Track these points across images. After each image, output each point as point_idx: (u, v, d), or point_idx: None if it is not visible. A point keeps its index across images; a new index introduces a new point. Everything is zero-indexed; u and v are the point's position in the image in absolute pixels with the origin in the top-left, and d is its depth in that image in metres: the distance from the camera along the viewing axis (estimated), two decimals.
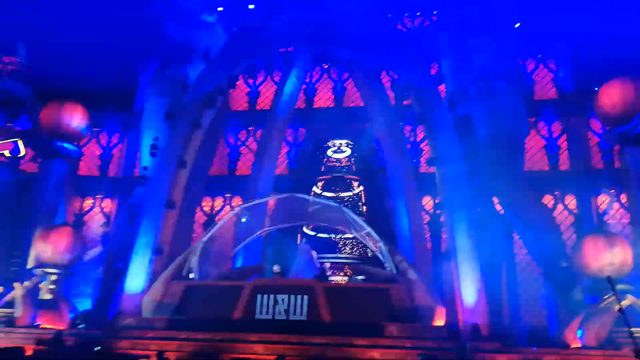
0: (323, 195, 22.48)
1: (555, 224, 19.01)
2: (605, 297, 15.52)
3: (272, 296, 16.38)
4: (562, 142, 22.43)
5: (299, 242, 21.56)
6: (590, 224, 19.52)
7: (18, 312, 17.94)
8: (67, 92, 23.53)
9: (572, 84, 23.00)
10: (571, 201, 21.14)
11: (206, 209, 24.15)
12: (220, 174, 24.71)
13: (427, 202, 22.12)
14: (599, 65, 21.21)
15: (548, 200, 21.22)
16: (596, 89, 20.16)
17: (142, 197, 19.60)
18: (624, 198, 20.07)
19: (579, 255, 16.43)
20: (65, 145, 22.44)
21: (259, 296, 16.43)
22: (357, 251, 20.99)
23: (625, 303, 14.37)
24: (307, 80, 26.28)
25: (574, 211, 20.86)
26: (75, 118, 22.75)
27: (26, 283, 18.77)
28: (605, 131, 20.27)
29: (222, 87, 23.48)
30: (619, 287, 14.96)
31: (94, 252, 21.30)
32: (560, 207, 21.10)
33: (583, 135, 21.93)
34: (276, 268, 17.94)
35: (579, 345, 15.00)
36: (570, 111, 22.40)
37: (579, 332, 15.02)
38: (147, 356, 13.48)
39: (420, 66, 22.19)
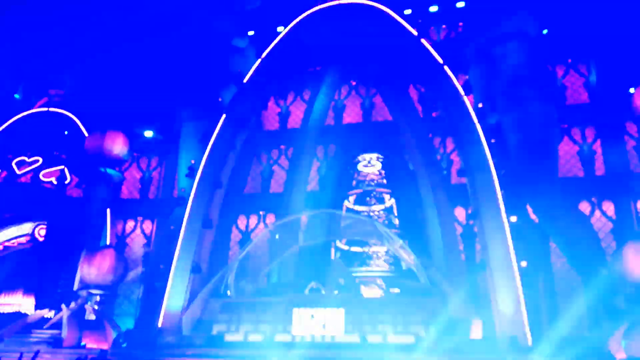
0: (355, 210, 22.63)
1: (593, 231, 18.52)
2: None
3: (308, 310, 16.65)
4: (597, 147, 21.88)
5: (332, 256, 21.76)
6: (631, 230, 18.88)
7: (64, 332, 18.80)
8: (109, 119, 24.78)
9: (605, 87, 22.48)
10: (609, 207, 20.52)
11: (241, 227, 24.69)
12: (254, 192, 25.27)
13: (460, 213, 21.94)
14: (631, 67, 20.71)
15: (585, 207, 20.68)
16: (631, 91, 19.69)
17: (180, 217, 20.30)
18: None
19: (621, 262, 15.95)
20: (108, 170, 23.56)
21: (295, 310, 16.74)
22: (391, 264, 20.96)
23: None
24: (336, 97, 26.67)
25: (613, 217, 20.23)
26: (117, 145, 23.92)
27: (72, 304, 19.68)
28: None
29: (254, 109, 24.29)
30: None
31: (135, 272, 22.11)
32: (597, 213, 20.52)
33: (619, 139, 21.32)
34: (314, 284, 18.21)
35: (624, 356, 14.50)
36: (604, 115, 21.85)
37: (623, 343, 14.54)
38: None
39: (447, 78, 22.28)
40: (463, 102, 20.85)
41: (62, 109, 27.60)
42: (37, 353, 9.40)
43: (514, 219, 17.47)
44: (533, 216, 18.99)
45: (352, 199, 23.76)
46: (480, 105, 21.56)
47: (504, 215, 17.41)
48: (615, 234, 19.55)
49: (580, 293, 15.89)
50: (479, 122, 20.37)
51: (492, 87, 21.83)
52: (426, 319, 15.61)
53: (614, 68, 22.11)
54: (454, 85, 21.75)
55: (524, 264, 16.40)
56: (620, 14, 21.52)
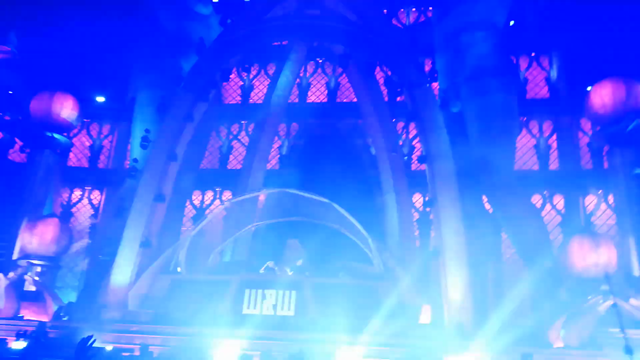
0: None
1: (543, 224, 19.07)
2: (589, 297, 15.59)
3: (260, 291, 16.41)
4: (553, 142, 22.46)
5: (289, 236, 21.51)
6: (578, 224, 19.58)
7: (1, 303, 17.85)
8: (58, 82, 23.32)
9: (564, 83, 22.99)
10: (559, 201, 21.20)
11: (196, 202, 24.03)
12: (211, 167, 24.58)
13: (417, 199, 22.11)
14: (591, 65, 21.21)
15: (537, 199, 21.26)
16: (588, 88, 20.18)
17: (131, 189, 19.47)
18: (611, 199, 20.14)
19: (565, 255, 16.50)
20: (55, 135, 22.24)
21: (246, 291, 16.47)
22: (347, 248, 20.90)
23: (608, 303, 14.46)
24: (302, 74, 26.13)
25: (562, 211, 20.92)
26: (66, 108, 22.53)
27: (10, 274, 18.67)
28: (596, 131, 20.30)
29: (215, 80, 23.39)
30: (603, 287, 15.05)
31: (81, 244, 21.18)
32: (548, 206, 21.15)
33: (573, 135, 21.96)
34: (270, 263, 17.92)
35: (562, 344, 15.08)
36: (562, 110, 22.40)
37: (562, 332, 15.10)
38: (132, 350, 13.46)
39: (414, 63, 22.13)
40: (428, 88, 20.81)
41: (7, 68, 25.76)
42: None
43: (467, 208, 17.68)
44: (487, 206, 19.33)
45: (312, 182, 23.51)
46: (443, 93, 21.62)
47: (458, 204, 17.61)
48: (563, 227, 20.25)
49: (526, 283, 16.31)
50: (441, 109, 20.45)
51: (456, 74, 21.91)
52: (377, 302, 15.65)
53: (574, 65, 22.64)
54: (420, 70, 21.67)
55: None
56: (585, 12, 21.91)
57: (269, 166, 23.42)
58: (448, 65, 22.42)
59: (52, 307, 17.97)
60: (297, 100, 26.12)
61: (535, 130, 22.90)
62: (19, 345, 13.83)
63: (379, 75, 25.00)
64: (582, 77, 21.97)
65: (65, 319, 16.88)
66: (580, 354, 14.03)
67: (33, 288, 18.22)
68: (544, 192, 21.29)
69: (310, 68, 26.85)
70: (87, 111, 24.58)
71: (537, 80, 24.18)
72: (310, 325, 15.56)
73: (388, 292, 15.73)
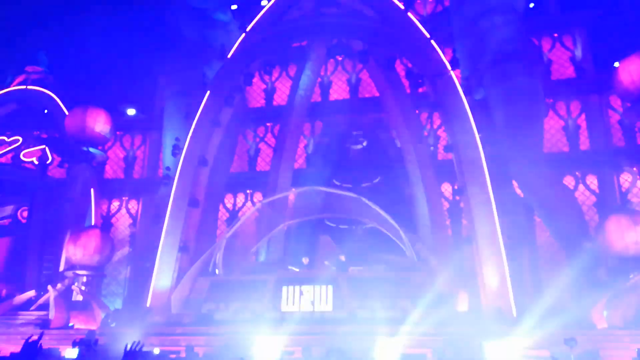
0: (342, 187, 22.61)
1: (577, 205, 18.79)
2: (631, 276, 15.35)
3: (297, 288, 16.73)
4: (582, 122, 22.06)
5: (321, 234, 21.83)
6: (614, 203, 19.21)
7: (51, 314, 18.71)
8: (90, 97, 24.21)
9: (590, 61, 22.54)
10: (593, 181, 20.82)
11: (228, 205, 24.59)
12: (241, 170, 25.09)
13: (446, 189, 22.08)
14: (617, 41, 20.77)
15: (569, 181, 20.94)
16: (616, 64, 19.75)
17: (166, 196, 20.09)
18: None
19: (603, 235, 16.25)
20: (91, 149, 23.10)
21: (284, 288, 16.81)
22: (379, 241, 21.04)
23: None
24: (322, 73, 26.37)
25: (596, 191, 20.55)
26: (99, 122, 23.36)
27: (58, 285, 19.52)
28: (626, 108, 19.86)
29: (238, 85, 23.86)
30: None
31: (122, 253, 21.96)
32: (581, 187, 20.81)
33: (603, 114, 21.52)
34: (305, 260, 18.24)
35: (606, 325, 14.90)
36: (589, 89, 21.97)
37: (605, 313, 14.92)
38: (178, 352, 13.93)
39: (434, 52, 22.08)
40: (450, 77, 20.71)
41: (40, 86, 26.85)
42: (41, 335, 9.26)
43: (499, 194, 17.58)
44: (518, 191, 19.17)
45: (340, 176, 23.74)
46: (466, 80, 21.47)
47: (490, 190, 17.54)
48: (598, 207, 19.90)
49: (564, 266, 16.15)
50: (465, 97, 20.34)
51: (478, 61, 21.72)
52: (413, 293, 15.78)
53: (599, 42, 22.17)
54: (440, 60, 21.57)
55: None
56: None
57: (296, 165, 23.74)
58: (469, 52, 22.23)
59: (100, 315, 18.74)
60: (319, 99, 26.38)
61: (563, 112, 22.54)
62: (72, 353, 14.46)
63: (400, 68, 25.00)
64: (608, 54, 21.53)
65: (112, 325, 17.57)
66: (625, 334, 13.82)
67: (80, 298, 19.02)
68: (576, 173, 20.95)
69: (330, 66, 27.05)
70: (119, 124, 25.42)
71: (562, 61, 23.76)
72: (348, 319, 15.82)
73: (423, 282, 15.84)
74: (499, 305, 15.36)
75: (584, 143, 21.60)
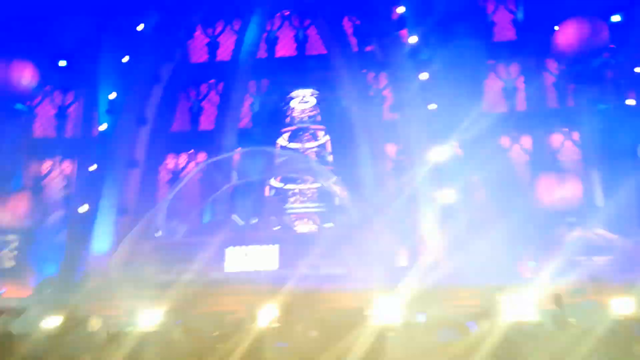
0: (289, 147, 22.45)
1: (511, 165, 19.64)
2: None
3: (242, 248, 16.70)
4: (520, 84, 22.77)
5: (266, 194, 21.72)
6: (545, 162, 20.17)
7: None
8: (15, 49, 22.25)
9: (531, 24, 23.06)
10: (527, 141, 21.72)
11: (170, 166, 23.77)
12: (183, 129, 24.22)
13: (391, 149, 22.34)
14: (557, 5, 21.24)
15: (505, 140, 21.70)
16: (555, 28, 20.33)
17: (102, 156, 19.18)
18: (576, 136, 20.80)
19: (533, 191, 17.13)
20: (17, 105, 21.49)
21: (228, 249, 16.74)
22: (325, 201, 21.28)
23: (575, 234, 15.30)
24: (268, 28, 25.49)
25: (529, 150, 21.45)
26: (25, 76, 21.67)
27: None
28: (562, 70, 20.66)
29: (179, 38, 22.80)
30: (569, 219, 15.86)
31: (56, 215, 20.93)
32: (517, 147, 21.67)
33: (540, 76, 22.26)
34: (253, 220, 18.13)
35: (530, 276, 15.87)
36: (529, 52, 22.56)
37: (531, 264, 15.92)
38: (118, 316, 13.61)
39: (382, 11, 21.90)
40: (397, 37, 20.71)
41: None
42: None
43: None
44: (458, 151, 19.73)
45: (286, 136, 23.52)
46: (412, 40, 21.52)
47: (432, 150, 18.00)
48: (531, 166, 20.86)
49: (496, 222, 16.92)
50: (411, 57, 20.46)
51: (424, 22, 21.75)
52: (357, 251, 16.15)
53: (541, 5, 22.60)
54: (389, 18, 21.47)
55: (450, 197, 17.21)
56: None
57: (241, 125, 23.23)
58: (415, 11, 22.17)
59: (33, 281, 17.92)
60: (265, 55, 25.61)
61: (503, 73, 23.13)
62: None
63: (348, 25, 24.57)
64: (548, 18, 22.03)
65: (48, 291, 16.92)
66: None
67: (11, 264, 18.08)
68: (513, 134, 21.73)
69: (277, 21, 26.17)
70: (48, 78, 23.62)
71: (504, 23, 24.17)
72: (293, 277, 15.99)
73: (367, 240, 16.22)
74: (436, 259, 16.03)
75: (521, 104, 22.37)
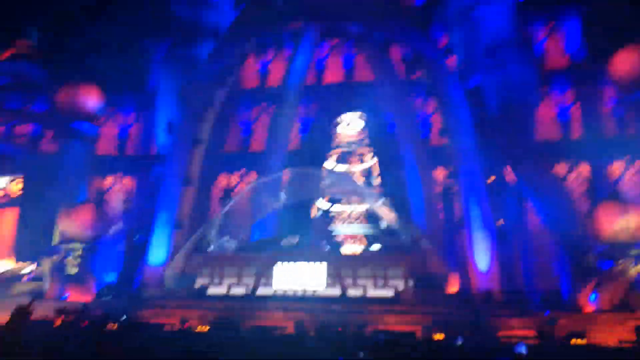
0: (336, 169, 22.70)
1: (567, 192, 19.05)
2: (619, 262, 15.64)
3: (290, 264, 16.85)
4: (575, 111, 22.28)
5: (312, 215, 21.93)
6: (604, 191, 19.44)
7: (46, 285, 18.65)
8: (81, 73, 23.84)
9: (584, 51, 22.74)
10: (585, 169, 21.04)
11: (223, 185, 24.44)
12: (235, 150, 24.98)
13: (439, 173, 22.20)
14: (612, 31, 20.89)
15: (562, 168, 21.12)
16: (610, 55, 19.92)
17: (160, 174, 20.04)
18: (638, 165, 19.97)
19: (593, 221, 16.47)
20: (83, 125, 22.84)
21: (277, 265, 16.93)
22: (370, 223, 21.25)
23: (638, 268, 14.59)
24: (317, 56, 26.20)
25: (588, 179, 20.75)
26: (91, 98, 23.07)
27: (53, 258, 19.38)
28: (620, 98, 20.11)
29: (232, 65, 23.74)
30: (634, 252, 15.15)
31: (117, 227, 21.81)
32: (573, 174, 21.01)
33: (596, 103, 21.74)
34: (294, 239, 18.33)
35: (592, 309, 15.26)
36: (583, 79, 22.15)
37: (592, 297, 15.27)
38: (172, 324, 13.99)
39: (429, 38, 22.18)
40: (444, 63, 20.85)
41: (30, 61, 26.38)
42: (31, 302, 9.30)
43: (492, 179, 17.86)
44: (511, 177, 19.41)
45: (333, 158, 23.84)
46: (461, 67, 21.59)
47: (481, 175, 17.82)
48: (590, 194, 20.11)
49: (554, 252, 16.43)
50: (460, 84, 20.53)
51: (473, 48, 21.82)
52: (405, 273, 16.00)
53: (594, 32, 22.29)
54: (435, 46, 21.72)
55: (500, 222, 16.90)
56: None
57: (290, 147, 23.73)
58: (464, 39, 22.31)
59: (94, 288, 18.63)
60: (315, 80, 26.25)
61: (556, 101, 22.73)
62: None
63: (395, 52, 24.94)
64: (602, 44, 21.64)
65: (107, 298, 17.54)
66: (613, 316, 14.17)
67: (75, 270, 18.86)
68: (569, 161, 21.10)
69: (325, 50, 26.84)
70: (112, 101, 25.07)
71: (556, 51, 23.91)
72: (341, 297, 15.97)
73: (416, 263, 16.07)
74: (489, 287, 15.66)
75: (577, 132, 21.84)
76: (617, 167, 20.64)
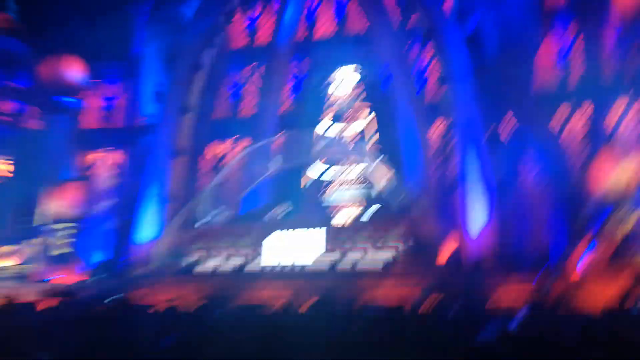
0: (331, 129, 21.86)
1: (566, 141, 18.01)
2: (617, 210, 14.72)
3: (286, 232, 16.43)
4: (576, 49, 20.79)
5: (306, 181, 21.27)
6: (605, 137, 18.13)
7: (30, 267, 18.46)
8: (63, 45, 22.96)
9: None
10: (587, 109, 19.77)
11: (214, 153, 23.72)
12: (225, 116, 24.09)
13: (437, 129, 21.17)
14: None
15: (563, 110, 19.89)
16: None
17: (148, 146, 19.46)
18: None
19: (592, 169, 15.48)
20: (67, 99, 22.20)
21: (268, 238, 16.51)
22: (367, 184, 20.57)
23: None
24: (307, 8, 24.79)
25: (589, 120, 19.50)
26: (74, 70, 22.35)
27: (38, 239, 19.20)
28: (623, 33, 18.64)
29: (219, 23, 22.65)
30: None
31: (104, 204, 21.53)
32: (575, 117, 19.81)
33: (598, 40, 20.19)
34: (286, 206, 17.85)
35: (584, 270, 14.47)
36: (584, 17, 20.55)
37: (585, 253, 14.48)
38: (159, 304, 13.73)
39: None
40: (440, 7, 19.65)
41: (10, 34, 25.43)
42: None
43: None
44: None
45: (328, 117, 22.93)
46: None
47: (481, 125, 16.98)
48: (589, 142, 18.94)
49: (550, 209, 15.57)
50: (457, 27, 19.37)
51: None
52: (404, 233, 15.46)
53: None
54: None
55: None
56: None
57: (282, 109, 22.85)
58: None
59: (80, 268, 18.46)
60: (306, 34, 24.95)
61: (557, 40, 21.26)
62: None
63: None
64: None
65: (94, 278, 17.39)
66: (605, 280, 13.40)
67: (60, 251, 18.70)
68: (570, 103, 19.86)
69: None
70: (95, 72, 24.21)
71: None
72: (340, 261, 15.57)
73: (413, 224, 15.50)
74: (485, 247, 15.10)
75: (578, 72, 20.46)
76: (619, 106, 19.28)
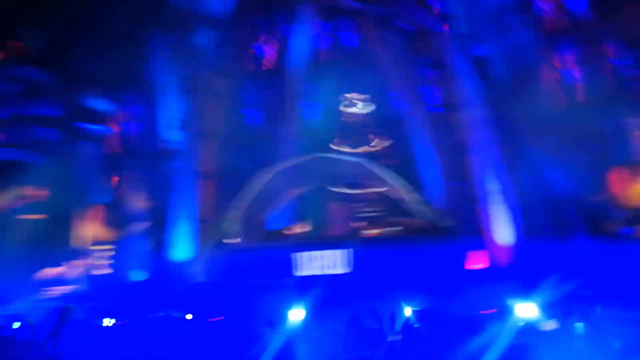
0: (346, 152, 22.67)
1: (581, 158, 18.98)
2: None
3: (310, 253, 17.13)
4: (581, 72, 21.95)
5: (328, 202, 21.95)
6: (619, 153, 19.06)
7: (74, 288, 19.01)
8: (85, 73, 23.64)
9: (586, 10, 22.28)
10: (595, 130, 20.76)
11: (237, 176, 24.35)
12: (246, 139, 24.70)
13: (450, 148, 22.07)
14: None
15: (570, 131, 20.86)
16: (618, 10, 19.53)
17: (177, 170, 20.24)
18: None
19: (609, 186, 16.37)
20: (93, 126, 22.88)
21: (298, 254, 17.22)
22: (390, 204, 21.30)
23: None
24: (316, 37, 25.79)
25: (601, 140, 20.46)
26: (97, 99, 23.02)
27: (77, 262, 19.73)
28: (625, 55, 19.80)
29: (233, 52, 23.55)
30: None
31: (137, 227, 22.02)
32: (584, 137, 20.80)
33: (602, 63, 21.41)
34: (308, 225, 18.55)
35: None
36: (587, 39, 21.77)
37: None
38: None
39: (430, 9, 21.90)
40: (448, 35, 20.70)
41: (29, 64, 26.06)
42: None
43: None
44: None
45: (341, 140, 23.60)
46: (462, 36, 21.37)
47: (495, 148, 17.89)
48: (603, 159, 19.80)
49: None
50: (465, 54, 20.37)
51: (473, 15, 21.50)
52: (427, 253, 16.18)
53: None
54: (438, 18, 21.48)
55: None
56: None
57: (298, 132, 23.48)
58: (466, 8, 21.95)
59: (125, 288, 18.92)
60: (316, 60, 25.73)
61: (559, 63, 22.41)
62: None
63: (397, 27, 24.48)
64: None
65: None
66: None
67: (100, 272, 19.20)
68: (577, 123, 20.88)
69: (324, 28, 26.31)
70: (115, 99, 24.92)
71: (556, 11, 23.41)
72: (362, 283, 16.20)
73: (437, 241, 16.26)
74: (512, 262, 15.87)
75: (582, 93, 21.59)
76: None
